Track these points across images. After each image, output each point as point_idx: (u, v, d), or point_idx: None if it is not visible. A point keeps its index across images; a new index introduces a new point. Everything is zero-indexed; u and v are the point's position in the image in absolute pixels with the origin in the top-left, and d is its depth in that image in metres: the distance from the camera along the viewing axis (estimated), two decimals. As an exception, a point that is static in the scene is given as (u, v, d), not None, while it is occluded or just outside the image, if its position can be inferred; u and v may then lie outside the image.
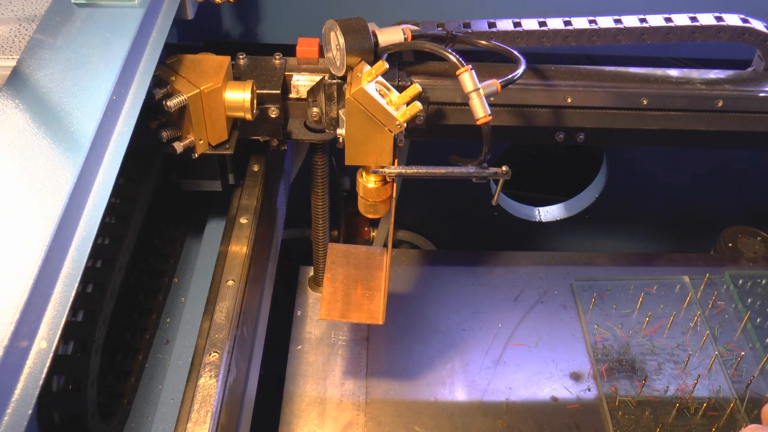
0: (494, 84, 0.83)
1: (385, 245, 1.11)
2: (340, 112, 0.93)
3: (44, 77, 0.73)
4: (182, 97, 0.86)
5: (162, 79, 0.88)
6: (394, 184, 0.91)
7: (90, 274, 0.87)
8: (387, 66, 0.85)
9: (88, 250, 0.62)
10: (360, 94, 0.82)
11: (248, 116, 0.92)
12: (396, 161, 0.88)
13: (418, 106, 0.82)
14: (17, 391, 0.53)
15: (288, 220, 1.18)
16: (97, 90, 0.72)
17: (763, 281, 1.25)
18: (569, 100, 1.00)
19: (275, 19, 1.23)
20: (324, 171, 1.08)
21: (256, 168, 1.05)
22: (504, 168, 0.87)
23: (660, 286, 1.25)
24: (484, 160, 0.87)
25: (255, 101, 0.93)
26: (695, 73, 1.02)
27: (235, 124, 0.96)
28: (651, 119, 1.02)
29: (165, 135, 0.89)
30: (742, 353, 1.14)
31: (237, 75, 0.97)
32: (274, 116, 0.97)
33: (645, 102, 1.00)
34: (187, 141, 0.91)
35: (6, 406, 0.52)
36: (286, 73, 0.98)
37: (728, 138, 1.06)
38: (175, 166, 1.09)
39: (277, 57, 1.00)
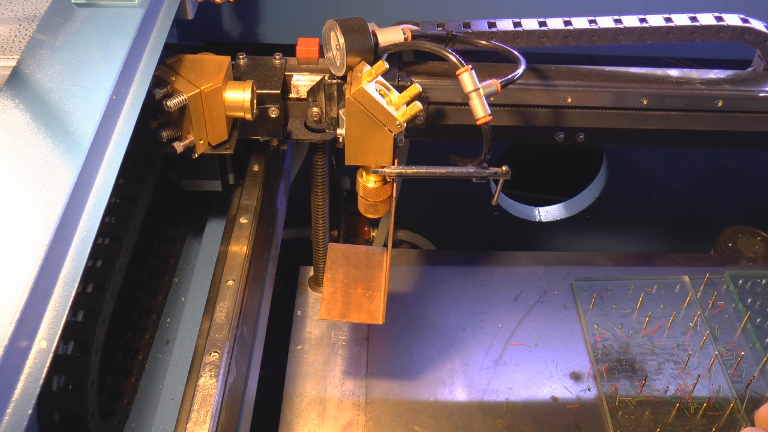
0: (494, 84, 0.83)
1: (385, 245, 1.11)
2: (340, 112, 0.93)
3: (44, 77, 0.73)
4: (182, 97, 0.86)
5: (162, 79, 0.88)
6: (394, 184, 0.91)
7: (90, 274, 0.87)
8: (387, 66, 0.85)
9: (88, 250, 0.62)
10: (360, 94, 0.82)
11: (248, 116, 0.92)
12: (396, 161, 0.88)
13: (418, 106, 0.82)
14: (17, 391, 0.53)
15: (288, 220, 1.18)
16: (97, 90, 0.72)
17: (763, 281, 1.25)
18: (569, 100, 1.00)
19: (275, 19, 1.23)
20: (324, 171, 1.08)
21: (256, 168, 1.05)
22: (504, 168, 0.87)
23: (660, 286, 1.25)
24: (484, 160, 0.87)
25: (255, 101, 0.93)
26: (695, 73, 1.02)
27: (235, 124, 0.96)
28: (651, 119, 1.02)
29: (165, 135, 0.89)
30: (742, 353, 1.14)
31: (237, 75, 0.97)
32: (274, 116, 0.97)
33: (645, 102, 1.00)
34: (187, 141, 0.91)
35: (6, 406, 0.52)
36: (286, 73, 0.98)
37: (728, 138, 1.06)
38: (175, 166, 1.09)
39: (277, 57, 1.00)
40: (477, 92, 0.82)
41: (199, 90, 0.88)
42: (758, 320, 1.19)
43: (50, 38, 0.78)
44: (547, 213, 1.72)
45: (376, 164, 0.88)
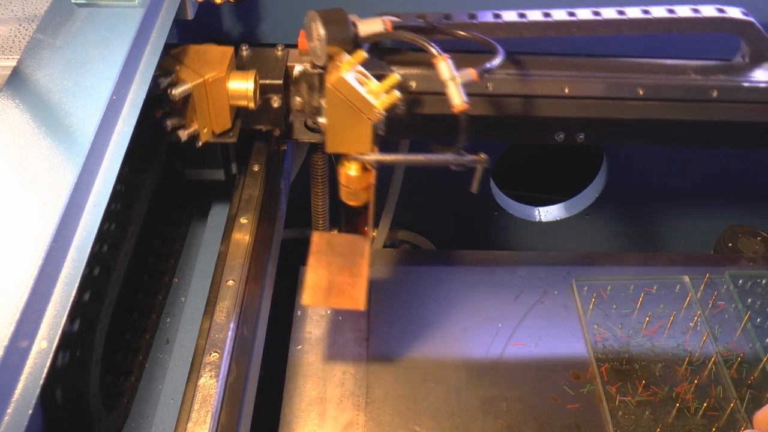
0: (471, 73, 0.83)
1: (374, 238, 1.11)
2: (322, 101, 0.93)
3: (44, 77, 0.73)
4: (187, 86, 0.87)
5: (167, 69, 0.89)
6: (374, 172, 0.92)
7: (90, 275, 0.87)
8: (366, 56, 0.85)
9: (89, 250, 0.62)
10: (339, 82, 0.83)
11: (251, 105, 0.93)
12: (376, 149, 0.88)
13: (396, 94, 0.83)
14: (17, 391, 0.53)
15: (288, 220, 1.18)
16: (97, 90, 0.72)
17: (763, 281, 1.25)
18: (567, 90, 1.00)
19: (275, 19, 1.23)
20: (324, 171, 1.09)
21: (256, 168, 1.05)
22: (482, 155, 0.86)
23: (660, 286, 1.25)
24: (461, 147, 0.86)
25: (258, 90, 0.94)
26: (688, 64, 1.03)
27: (238, 113, 0.97)
28: (648, 109, 1.02)
29: (170, 123, 0.90)
30: (742, 353, 1.14)
31: (240, 66, 0.98)
32: (276, 106, 0.98)
33: (641, 92, 1.00)
34: (192, 129, 0.92)
35: (6, 406, 0.52)
36: (288, 64, 0.98)
37: (728, 136, 1.06)
38: (179, 155, 1.09)
39: (280, 48, 1.00)
40: (453, 80, 0.82)
41: (203, 79, 0.89)
42: (758, 320, 1.19)
43: (50, 38, 0.78)
44: (547, 213, 1.72)
45: (357, 152, 0.88)
